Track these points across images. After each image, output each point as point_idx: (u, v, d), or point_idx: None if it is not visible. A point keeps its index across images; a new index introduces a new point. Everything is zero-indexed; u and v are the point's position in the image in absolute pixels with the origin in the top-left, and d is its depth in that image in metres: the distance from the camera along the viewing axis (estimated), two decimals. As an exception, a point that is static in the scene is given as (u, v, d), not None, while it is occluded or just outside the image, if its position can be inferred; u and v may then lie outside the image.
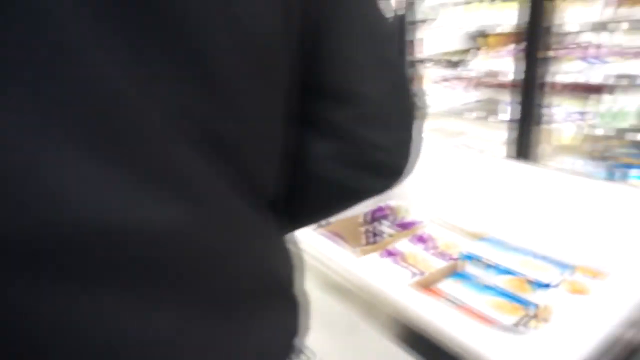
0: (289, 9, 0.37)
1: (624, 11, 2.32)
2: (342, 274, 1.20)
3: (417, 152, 0.51)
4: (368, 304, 1.10)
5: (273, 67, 0.39)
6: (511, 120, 2.86)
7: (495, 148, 3.16)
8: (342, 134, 0.46)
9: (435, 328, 0.92)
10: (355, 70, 0.45)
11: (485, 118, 3.10)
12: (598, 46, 2.52)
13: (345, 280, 1.18)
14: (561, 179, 1.40)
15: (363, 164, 0.48)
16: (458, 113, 3.37)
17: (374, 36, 0.46)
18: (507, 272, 1.27)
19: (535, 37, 2.50)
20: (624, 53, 2.39)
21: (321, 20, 0.42)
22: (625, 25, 2.26)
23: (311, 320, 0.52)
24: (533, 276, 1.21)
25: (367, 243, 1.85)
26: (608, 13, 2.37)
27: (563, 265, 1.25)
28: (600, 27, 2.41)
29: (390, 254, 1.48)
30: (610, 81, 2.37)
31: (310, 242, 1.34)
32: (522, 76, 2.59)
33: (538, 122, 2.68)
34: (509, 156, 2.68)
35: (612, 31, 2.41)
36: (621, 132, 2.42)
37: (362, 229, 1.96)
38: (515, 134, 2.72)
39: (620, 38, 2.45)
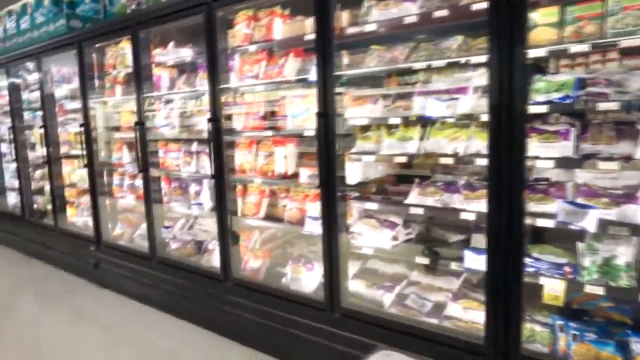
0: None
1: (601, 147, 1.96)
2: None
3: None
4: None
5: None
6: (474, 270, 2.29)
7: (452, 304, 2.50)
8: None
9: None
10: None
11: (432, 264, 2.47)
12: (576, 186, 2.11)
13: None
14: None
15: None
16: (395, 255, 2.71)
17: None
18: None
19: (506, 171, 2.04)
20: (606, 195, 1.99)
21: None
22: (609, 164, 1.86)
23: None
24: None
25: None
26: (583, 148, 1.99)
27: None
28: (574, 163, 2.01)
29: None
30: (602, 229, 1.92)
31: None
32: (490, 218, 2.07)
33: (518, 274, 2.13)
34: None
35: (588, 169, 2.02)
36: (614, 290, 1.93)
37: None
38: (486, 291, 2.12)
39: (596, 177, 2.08)
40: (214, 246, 3.58)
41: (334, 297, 2.66)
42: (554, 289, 2.07)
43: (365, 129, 2.72)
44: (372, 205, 2.65)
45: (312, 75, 2.71)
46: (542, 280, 2.10)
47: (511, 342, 2.08)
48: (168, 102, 3.79)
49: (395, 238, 2.68)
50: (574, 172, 2.17)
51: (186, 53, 3.53)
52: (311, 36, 2.68)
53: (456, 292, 2.60)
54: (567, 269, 2.08)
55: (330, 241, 2.61)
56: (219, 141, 3.11)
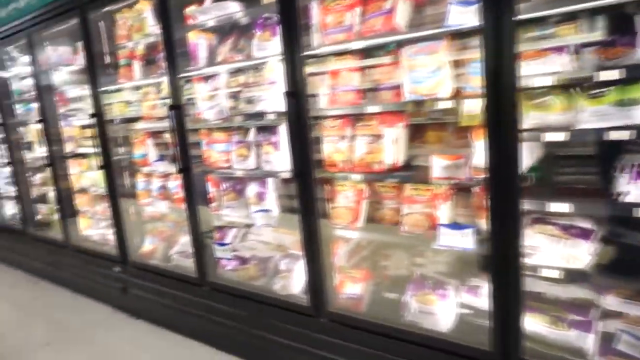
0: None
1: None
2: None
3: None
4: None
5: None
6: None
7: None
8: None
9: None
10: None
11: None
12: None
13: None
14: None
15: None
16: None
17: None
18: None
19: None
20: None
21: None
22: None
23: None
24: None
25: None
26: None
27: None
28: None
29: None
30: None
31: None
32: None
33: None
34: None
35: None
36: None
37: None
38: None
39: None
40: (287, 266, 2.71)
41: (508, 346, 1.80)
42: None
43: (537, 93, 1.83)
44: (561, 207, 1.76)
45: (454, 18, 1.81)
46: None
47: None
48: (208, 78, 2.86)
49: (592, 252, 1.82)
50: None
51: (234, 7, 2.58)
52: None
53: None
54: None
55: (508, 266, 1.74)
56: (302, 124, 2.20)
